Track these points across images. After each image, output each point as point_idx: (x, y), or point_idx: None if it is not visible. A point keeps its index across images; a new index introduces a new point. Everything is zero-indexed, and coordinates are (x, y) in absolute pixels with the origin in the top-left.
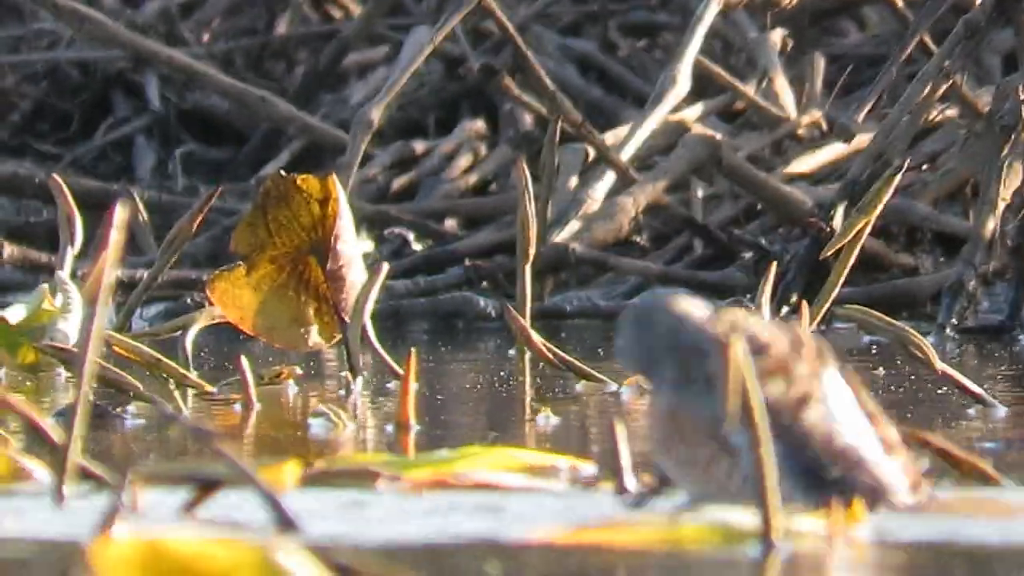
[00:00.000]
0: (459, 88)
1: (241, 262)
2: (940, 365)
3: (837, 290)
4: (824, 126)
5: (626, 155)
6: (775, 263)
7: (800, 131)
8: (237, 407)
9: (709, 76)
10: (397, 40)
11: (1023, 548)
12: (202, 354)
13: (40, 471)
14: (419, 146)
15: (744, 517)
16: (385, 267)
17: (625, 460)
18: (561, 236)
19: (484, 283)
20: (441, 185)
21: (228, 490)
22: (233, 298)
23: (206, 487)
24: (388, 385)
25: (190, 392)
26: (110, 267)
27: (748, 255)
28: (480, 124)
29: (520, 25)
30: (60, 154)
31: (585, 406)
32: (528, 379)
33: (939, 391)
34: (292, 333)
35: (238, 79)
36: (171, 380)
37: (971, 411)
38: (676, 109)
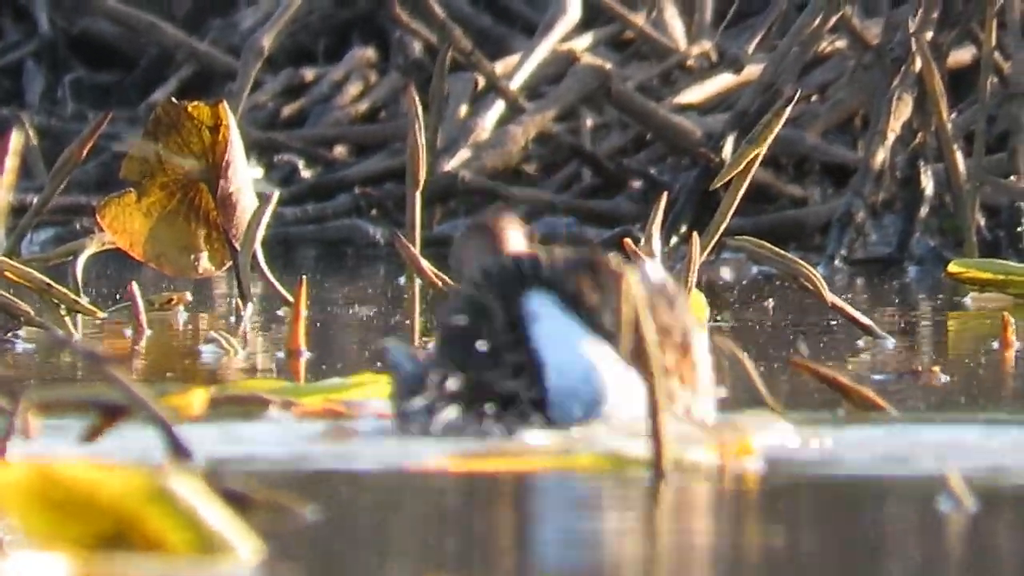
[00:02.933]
0: (349, 15)
1: (131, 188)
2: (829, 296)
3: (727, 221)
4: (714, 57)
5: (516, 84)
6: (664, 193)
7: (690, 62)
8: (128, 333)
9: (599, 6)
10: None
11: (905, 480)
12: (93, 280)
13: None
14: (309, 73)
15: (636, 446)
16: (275, 194)
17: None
18: (451, 164)
19: (373, 210)
20: (331, 112)
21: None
22: (123, 224)
23: (109, 414)
24: (278, 312)
25: (80, 317)
26: (2, 193)
27: (637, 185)
28: (370, 52)
29: None
30: None
31: None
32: (417, 307)
33: (828, 322)
34: (182, 259)
35: (127, 4)
36: (62, 305)
37: (860, 342)
38: (566, 39)
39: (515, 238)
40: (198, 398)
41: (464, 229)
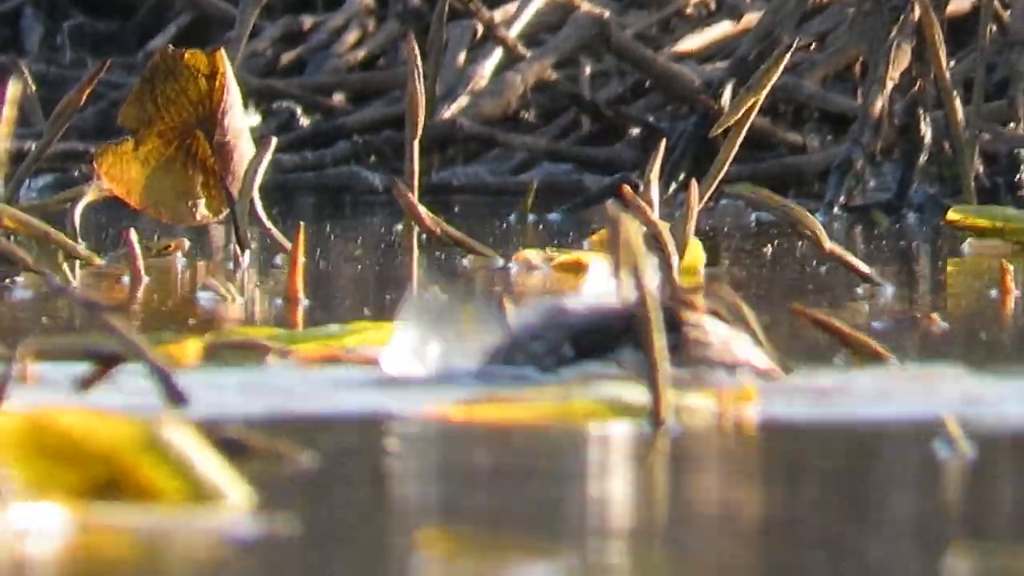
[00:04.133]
0: None
1: (129, 136)
2: (828, 244)
3: (725, 168)
4: (712, 4)
5: (514, 32)
6: (663, 140)
7: (688, 9)
8: (125, 280)
9: None
10: None
11: (907, 425)
12: (91, 227)
13: None
14: (307, 20)
15: (635, 393)
16: (273, 141)
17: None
18: (449, 112)
19: (372, 158)
20: (329, 60)
21: (122, 366)
22: (121, 172)
23: (104, 362)
24: (276, 259)
25: (78, 264)
26: (1, 139)
27: (636, 132)
28: None
29: None
30: None
31: (472, 281)
32: (415, 254)
33: (827, 270)
34: (180, 207)
35: None
36: (60, 252)
37: (859, 290)
38: None
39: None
40: (193, 347)
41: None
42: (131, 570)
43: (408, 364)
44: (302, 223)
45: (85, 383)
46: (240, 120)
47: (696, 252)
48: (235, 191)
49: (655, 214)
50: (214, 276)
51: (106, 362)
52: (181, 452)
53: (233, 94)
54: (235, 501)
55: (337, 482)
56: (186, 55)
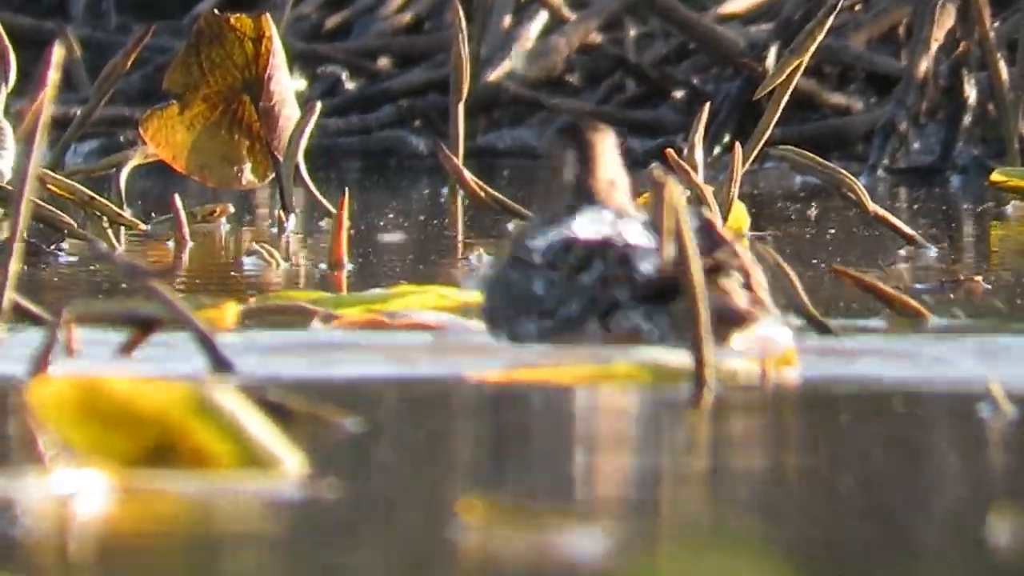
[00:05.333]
0: None
1: (174, 101)
2: (872, 206)
3: (770, 130)
4: None
5: None
6: (707, 103)
7: None
8: (170, 245)
9: None
10: None
11: (946, 387)
12: (136, 192)
13: None
14: None
15: (677, 357)
16: (318, 106)
17: None
18: (494, 75)
19: (417, 122)
20: (375, 23)
21: (164, 331)
22: (166, 137)
23: (143, 327)
24: (321, 223)
25: (123, 230)
26: (47, 105)
27: (680, 95)
28: None
29: None
30: None
31: None
32: (460, 217)
33: (871, 231)
34: (225, 171)
35: None
36: (104, 218)
37: (902, 251)
38: None
39: (609, 149)
40: (230, 311)
41: (559, 129)
42: (182, 534)
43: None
44: (347, 187)
45: (126, 348)
46: (285, 84)
47: (740, 215)
48: (280, 155)
49: (699, 177)
50: (259, 241)
51: (147, 327)
52: (232, 417)
53: (278, 58)
54: (287, 466)
55: (382, 446)
56: (231, 19)
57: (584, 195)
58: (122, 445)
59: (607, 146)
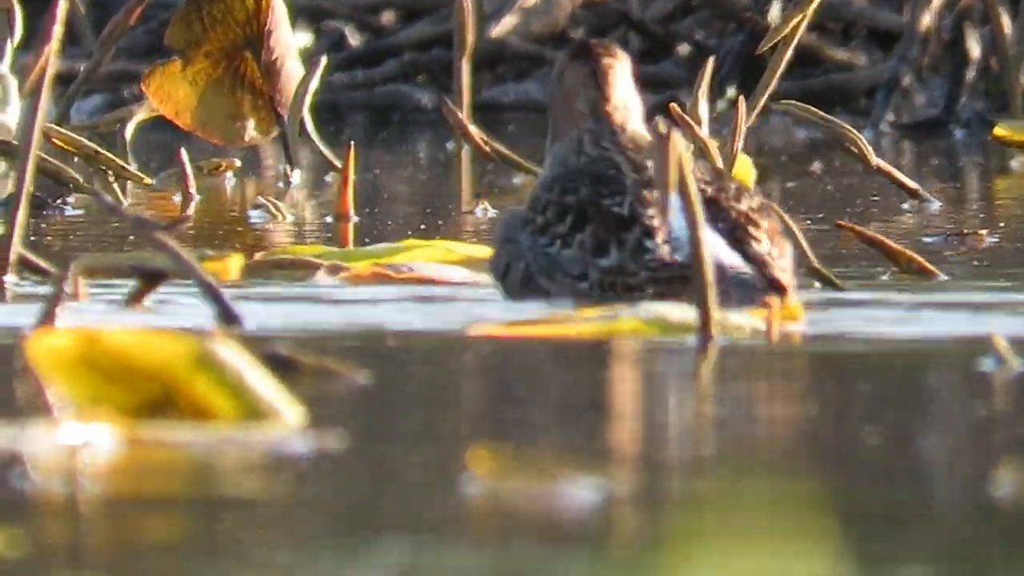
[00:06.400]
0: None
1: (176, 57)
2: (875, 160)
3: (773, 85)
4: None
5: None
6: (711, 58)
7: None
8: (176, 199)
9: None
10: None
11: (951, 340)
12: (142, 147)
13: None
14: None
15: (682, 311)
16: (322, 61)
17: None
18: (498, 30)
19: (421, 76)
20: None
21: (171, 283)
22: (169, 93)
23: (150, 279)
24: (326, 178)
25: (129, 184)
26: (52, 60)
27: (684, 50)
28: None
29: None
30: None
31: (522, 199)
32: (466, 171)
33: (874, 186)
34: (229, 128)
35: None
36: (110, 172)
37: (906, 205)
38: None
39: (623, 72)
40: (236, 263)
41: (572, 51)
42: (185, 485)
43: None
44: (352, 142)
45: (133, 299)
46: (287, 40)
47: (745, 168)
48: (284, 111)
49: (704, 131)
50: (265, 195)
51: (153, 278)
52: (234, 370)
53: (280, 13)
54: (288, 419)
55: (388, 399)
56: None
57: (599, 119)
58: (122, 398)
59: (621, 68)
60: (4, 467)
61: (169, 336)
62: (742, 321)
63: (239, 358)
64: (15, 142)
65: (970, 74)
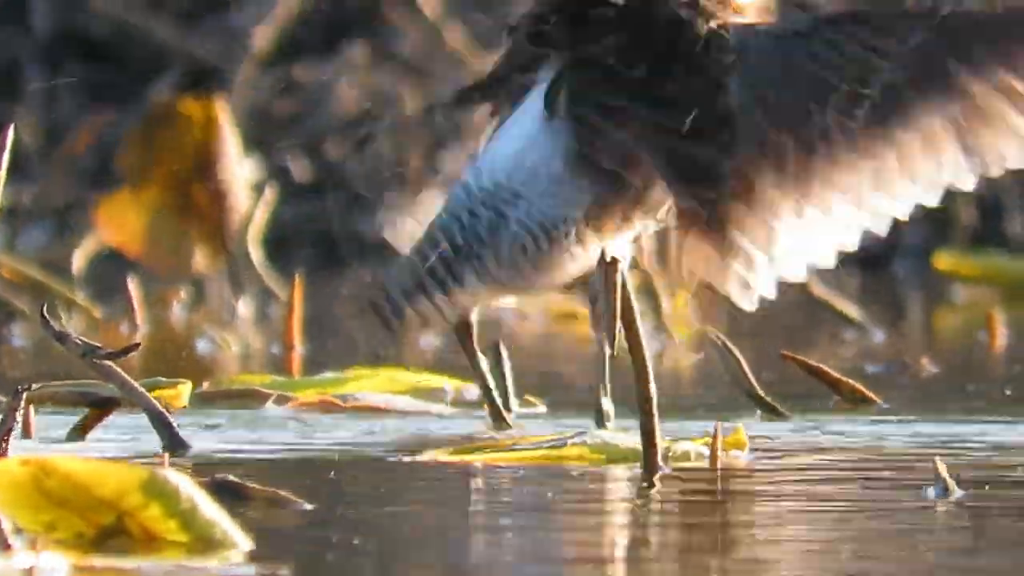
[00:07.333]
0: (341, 10)
1: (126, 185)
2: (818, 289)
3: None
4: None
5: None
6: None
7: None
8: (124, 329)
9: None
10: None
11: (893, 468)
12: (89, 276)
13: None
14: (304, 70)
15: (628, 439)
16: (270, 190)
17: (508, 381)
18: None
19: (367, 206)
20: (326, 108)
21: (119, 412)
22: (118, 221)
23: (100, 407)
24: (273, 307)
25: (77, 314)
26: None
27: None
28: (363, 49)
29: None
30: None
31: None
32: None
33: (818, 315)
34: (177, 257)
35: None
36: (58, 301)
37: (849, 335)
38: None
39: None
40: (184, 391)
41: None
42: None
43: None
44: (299, 272)
45: (82, 428)
46: (236, 170)
47: (682, 304)
48: (232, 241)
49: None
50: (212, 324)
51: (102, 408)
52: (187, 498)
53: (229, 143)
54: (240, 547)
55: (334, 527)
56: (182, 103)
57: None
58: (76, 525)
59: None
60: None
61: (122, 464)
62: (687, 448)
63: (190, 487)
64: None
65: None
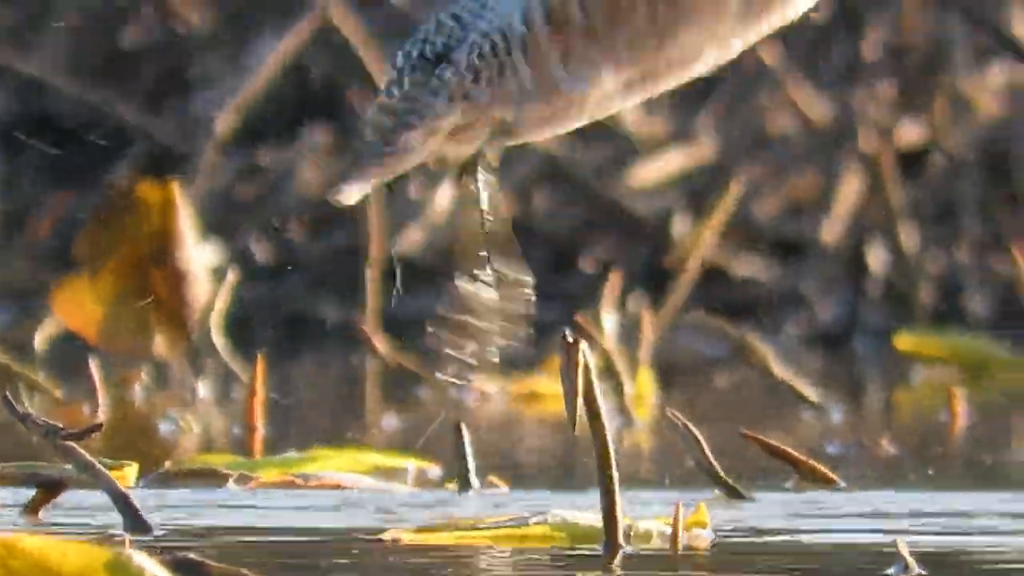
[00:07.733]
0: (303, 95)
1: (83, 270)
2: (778, 370)
3: (680, 299)
4: (664, 134)
5: None
6: (617, 273)
7: (641, 139)
8: (85, 410)
9: None
10: (242, 48)
11: (855, 549)
12: (50, 357)
13: None
14: (263, 154)
15: (590, 518)
16: (231, 274)
17: (469, 461)
18: (407, 243)
19: (329, 289)
20: (287, 191)
21: (73, 490)
22: (75, 306)
23: (51, 487)
24: (235, 389)
25: (38, 395)
26: None
27: (589, 263)
28: (325, 133)
29: None
30: None
31: (430, 407)
32: (372, 383)
33: (778, 396)
34: (136, 342)
35: (83, 84)
36: (20, 382)
37: (808, 415)
38: None
39: None
40: (131, 472)
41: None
42: None
43: None
44: (260, 355)
45: (33, 508)
46: (195, 254)
47: (648, 380)
48: (192, 324)
49: (609, 343)
50: (173, 406)
51: (52, 487)
52: None
53: (187, 227)
54: None
55: None
56: (140, 187)
57: None
58: None
59: None
60: None
61: (84, 543)
62: (649, 528)
63: (153, 565)
64: None
65: (873, 285)
